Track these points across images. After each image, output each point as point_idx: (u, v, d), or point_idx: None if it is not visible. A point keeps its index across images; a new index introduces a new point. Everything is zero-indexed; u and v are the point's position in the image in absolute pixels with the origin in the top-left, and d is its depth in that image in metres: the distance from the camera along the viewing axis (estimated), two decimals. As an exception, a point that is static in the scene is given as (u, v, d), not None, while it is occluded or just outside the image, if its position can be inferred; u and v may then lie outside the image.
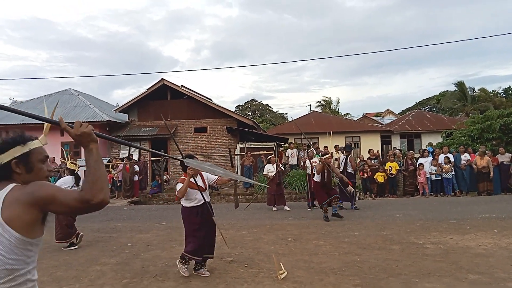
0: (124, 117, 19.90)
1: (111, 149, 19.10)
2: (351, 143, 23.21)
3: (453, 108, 34.69)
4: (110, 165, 15.98)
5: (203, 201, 5.20)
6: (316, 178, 9.17)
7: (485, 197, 12.74)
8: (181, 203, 5.34)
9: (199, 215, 5.18)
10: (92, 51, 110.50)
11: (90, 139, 1.66)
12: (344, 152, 11.53)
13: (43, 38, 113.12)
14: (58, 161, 16.11)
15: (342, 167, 10.95)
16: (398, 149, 17.48)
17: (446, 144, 16.53)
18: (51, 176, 8.91)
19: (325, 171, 8.94)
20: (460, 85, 33.08)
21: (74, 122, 1.68)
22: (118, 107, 20.11)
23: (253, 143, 17.81)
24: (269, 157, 12.18)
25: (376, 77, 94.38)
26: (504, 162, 13.38)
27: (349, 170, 10.98)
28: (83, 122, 1.65)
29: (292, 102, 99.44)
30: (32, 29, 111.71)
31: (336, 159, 13.44)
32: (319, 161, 9.26)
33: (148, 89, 18.85)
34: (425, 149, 15.36)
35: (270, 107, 51.96)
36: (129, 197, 14.80)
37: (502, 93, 43.13)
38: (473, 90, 35.62)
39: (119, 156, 18.00)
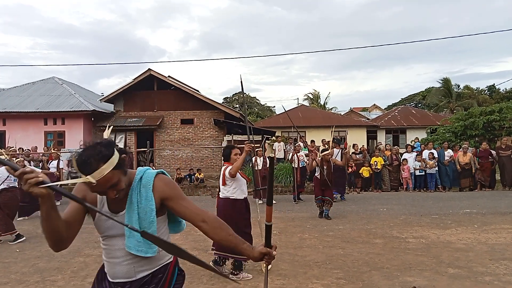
0: (110, 107, 19.63)
1: (95, 138, 18.83)
2: (339, 136, 23.39)
3: (438, 104, 35.21)
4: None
5: (245, 194, 4.94)
6: (316, 173, 8.84)
7: (466, 193, 12.99)
8: (223, 193, 4.86)
9: (242, 210, 4.87)
10: (78, 39, 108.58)
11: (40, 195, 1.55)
12: (336, 146, 11.84)
13: (26, 24, 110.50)
14: (40, 150, 15.81)
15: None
16: (387, 144, 17.72)
17: (431, 140, 16.80)
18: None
19: (325, 167, 8.52)
20: (446, 81, 33.56)
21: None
22: (103, 96, 19.82)
23: (240, 136, 17.79)
24: (256, 149, 12.17)
25: (364, 72, 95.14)
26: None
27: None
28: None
29: (280, 95, 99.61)
30: (15, 15, 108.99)
31: (322, 151, 13.57)
32: (311, 157, 9.30)
33: (134, 79, 18.60)
34: (410, 145, 15.56)
35: (258, 99, 51.96)
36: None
37: (486, 90, 43.95)
38: (458, 87, 36.21)
39: (104, 146, 17.78)
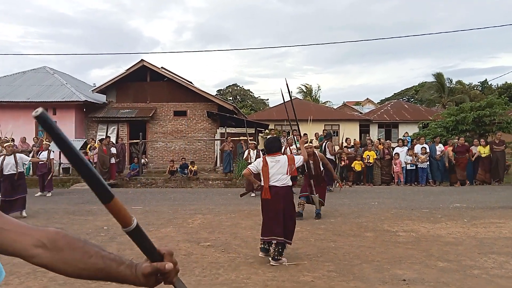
0: (102, 98, 19.44)
1: (88, 130, 18.70)
2: (331, 130, 23.47)
3: (431, 99, 35.40)
4: (88, 146, 15.66)
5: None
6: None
7: (456, 187, 13.14)
8: (283, 182, 5.12)
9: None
10: (70, 28, 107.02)
11: None
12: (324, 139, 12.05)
13: (17, 12, 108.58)
14: (30, 141, 15.63)
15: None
16: (380, 138, 17.83)
17: (422, 134, 16.92)
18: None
19: (311, 162, 7.67)
20: (439, 76, 33.72)
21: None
22: (95, 87, 19.60)
23: (234, 129, 17.75)
24: (251, 142, 12.25)
25: (358, 66, 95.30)
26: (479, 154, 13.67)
27: (329, 156, 11.67)
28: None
29: (274, 88, 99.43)
30: (5, 2, 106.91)
31: (316, 147, 13.68)
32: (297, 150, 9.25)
33: (127, 69, 18.41)
34: (404, 139, 15.67)
35: (252, 92, 51.90)
36: (106, 179, 14.57)
37: (479, 86, 44.32)
38: (451, 82, 36.41)
39: (96, 137, 17.65)
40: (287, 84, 6.52)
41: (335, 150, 12.77)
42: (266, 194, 5.08)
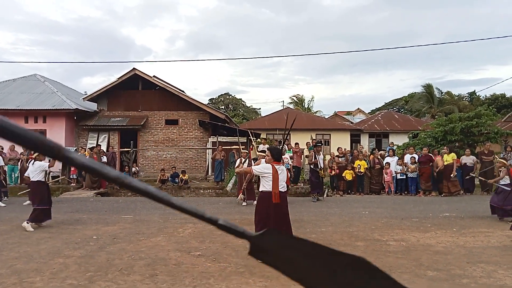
0: (93, 106, 19.36)
1: (78, 138, 18.56)
2: (320, 140, 23.54)
3: (420, 109, 35.85)
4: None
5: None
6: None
7: (446, 197, 13.25)
8: (285, 187, 5.70)
9: None
10: (61, 35, 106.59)
11: None
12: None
13: (7, 18, 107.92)
14: (19, 149, 15.45)
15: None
16: (373, 149, 17.94)
17: (412, 144, 17.09)
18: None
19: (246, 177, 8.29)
20: (428, 87, 34.20)
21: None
22: (86, 95, 19.53)
23: (225, 137, 17.76)
24: (242, 151, 12.24)
25: (349, 76, 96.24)
26: (467, 164, 13.85)
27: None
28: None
29: (266, 97, 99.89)
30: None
31: (306, 156, 13.84)
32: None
33: (119, 78, 18.40)
34: (389, 148, 15.81)
35: (244, 101, 52.08)
36: (96, 188, 14.44)
37: (467, 97, 45.03)
38: (442, 93, 36.95)
39: (86, 145, 17.52)
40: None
41: (304, 161, 12.57)
42: (276, 199, 5.43)
